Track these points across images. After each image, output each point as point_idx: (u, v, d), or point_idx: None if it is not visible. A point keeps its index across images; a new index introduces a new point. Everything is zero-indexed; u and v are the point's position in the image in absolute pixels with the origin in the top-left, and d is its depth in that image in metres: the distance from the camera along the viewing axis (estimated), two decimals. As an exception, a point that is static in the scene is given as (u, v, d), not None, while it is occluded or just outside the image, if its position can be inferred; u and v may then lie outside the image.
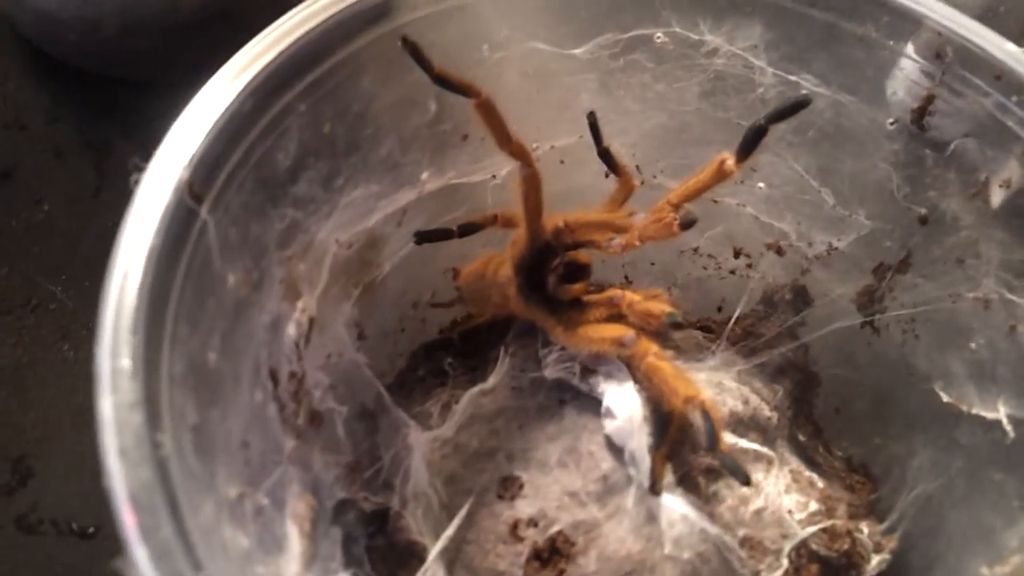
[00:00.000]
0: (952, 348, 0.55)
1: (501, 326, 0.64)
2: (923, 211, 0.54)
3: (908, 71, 0.51)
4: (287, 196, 0.48)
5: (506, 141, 0.51)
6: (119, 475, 0.31)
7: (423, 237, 0.59)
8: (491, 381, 0.60)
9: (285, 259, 0.49)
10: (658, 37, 0.55)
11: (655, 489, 0.52)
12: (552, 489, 0.55)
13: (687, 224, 0.50)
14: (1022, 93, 0.48)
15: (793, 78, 0.55)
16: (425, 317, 0.66)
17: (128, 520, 0.30)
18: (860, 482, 0.60)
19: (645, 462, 0.53)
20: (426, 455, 0.57)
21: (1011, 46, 0.48)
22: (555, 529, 0.53)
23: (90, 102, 0.87)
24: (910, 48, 0.51)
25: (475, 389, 0.59)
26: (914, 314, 0.57)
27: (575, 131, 0.60)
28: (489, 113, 0.50)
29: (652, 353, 0.51)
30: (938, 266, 0.55)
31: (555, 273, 0.56)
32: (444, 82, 0.49)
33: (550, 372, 0.58)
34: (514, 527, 0.54)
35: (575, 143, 0.60)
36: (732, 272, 0.66)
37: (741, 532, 0.53)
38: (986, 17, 0.72)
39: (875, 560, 0.54)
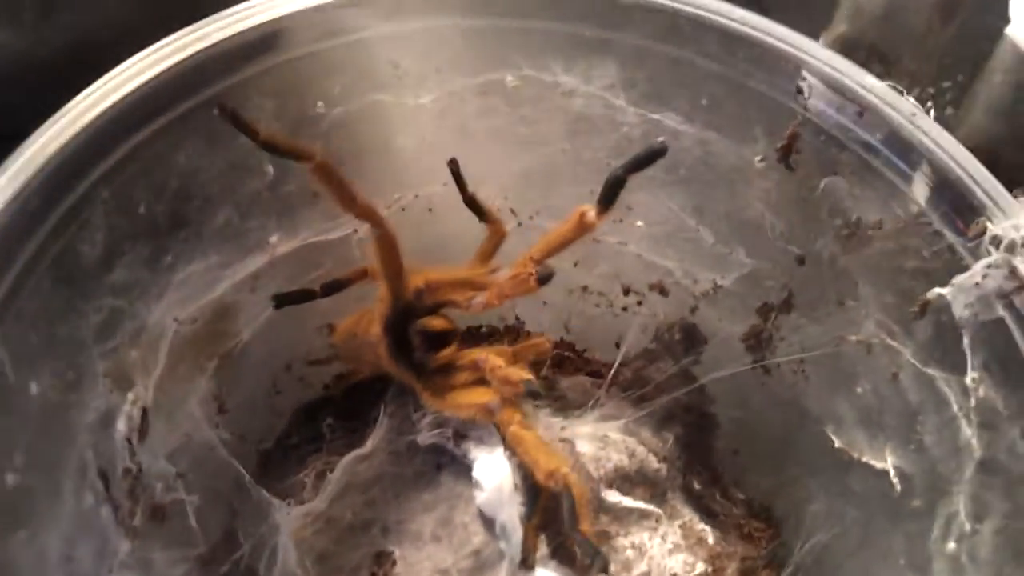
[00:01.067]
0: (841, 391, 0.52)
1: (384, 381, 0.61)
2: (799, 251, 0.51)
3: (770, 108, 0.48)
4: (101, 286, 0.45)
5: (351, 204, 0.48)
6: None
7: (281, 300, 0.55)
8: (369, 445, 0.57)
9: (108, 351, 0.46)
10: (510, 80, 0.52)
11: (527, 564, 0.49)
12: (424, 566, 0.52)
13: (544, 279, 0.47)
14: (885, 130, 0.45)
15: (656, 116, 0.52)
16: (303, 375, 0.63)
17: None
18: (760, 528, 0.57)
19: (517, 534, 0.50)
20: (295, 532, 0.54)
21: (872, 80, 0.45)
22: (426, 610, 0.50)
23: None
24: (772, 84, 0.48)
25: (351, 455, 0.56)
26: (803, 356, 0.54)
27: (438, 178, 0.56)
28: (327, 176, 0.46)
29: (516, 422, 0.48)
30: (820, 307, 0.52)
31: (418, 344, 0.53)
32: (273, 148, 0.46)
33: (423, 438, 0.55)
34: (386, 609, 0.51)
35: (441, 190, 0.57)
36: (624, 309, 0.63)
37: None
38: (885, 20, 0.69)
39: (768, 622, 0.51)
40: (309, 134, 0.49)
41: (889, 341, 0.48)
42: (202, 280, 0.51)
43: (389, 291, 0.52)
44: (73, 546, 0.42)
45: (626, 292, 0.61)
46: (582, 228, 0.47)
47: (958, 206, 0.43)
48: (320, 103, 0.50)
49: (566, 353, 0.64)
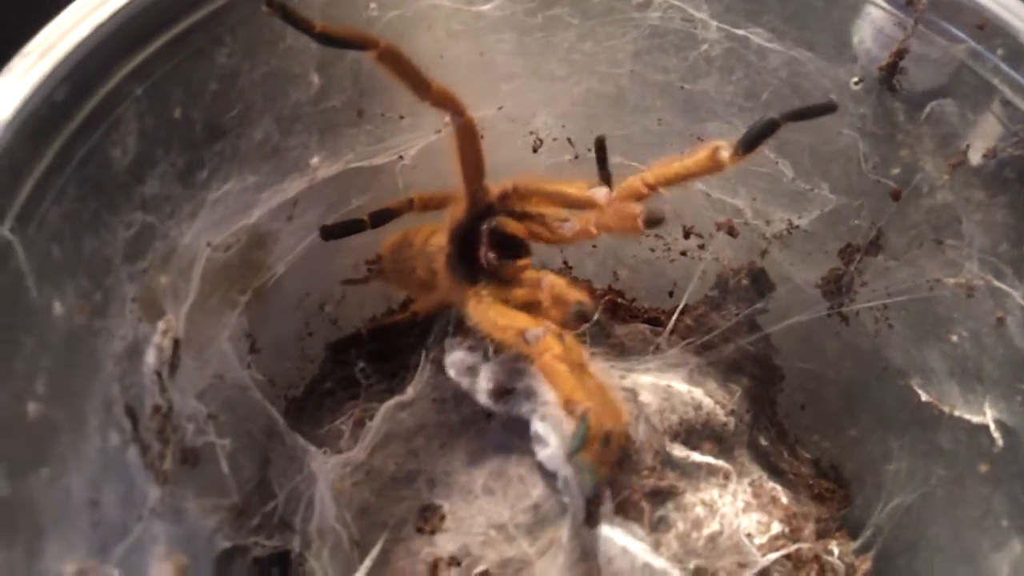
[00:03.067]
0: (931, 340, 0.48)
1: (421, 326, 0.56)
2: (895, 184, 0.47)
3: (876, 20, 0.43)
4: (132, 198, 0.40)
5: (424, 88, 0.43)
6: None
7: (329, 232, 0.51)
8: (410, 392, 0.53)
9: (138, 273, 0.41)
10: (582, -13, 0.47)
11: (592, 519, 0.45)
12: (477, 521, 0.48)
13: (653, 222, 0.43)
14: (1006, 44, 0.40)
15: (741, 32, 0.47)
16: (337, 317, 0.58)
17: None
18: (830, 489, 0.53)
19: (576, 479, 0.45)
20: (333, 483, 0.49)
21: (994, -14, 0.41)
22: (480, 569, 0.46)
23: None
24: (877, -7, 0.43)
25: (392, 402, 0.52)
26: (888, 302, 0.49)
27: (493, 101, 0.52)
28: (395, 61, 0.42)
29: (550, 353, 0.43)
30: (914, 248, 0.48)
31: (484, 243, 0.48)
32: (331, 39, 0.41)
33: (455, 372, 0.50)
34: (434, 567, 0.47)
35: (494, 114, 0.52)
36: (683, 254, 0.58)
37: (692, 563, 0.46)
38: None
39: (847, 586, 0.47)
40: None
41: (996, 283, 0.44)
42: (238, 202, 0.46)
43: (467, 190, 0.47)
44: (99, 489, 0.38)
45: (687, 235, 0.57)
46: (711, 166, 0.43)
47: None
48: (373, 5, 0.45)
49: (618, 300, 0.60)
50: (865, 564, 0.49)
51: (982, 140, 0.42)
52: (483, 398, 0.49)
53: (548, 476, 0.47)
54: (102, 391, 0.39)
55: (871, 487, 0.51)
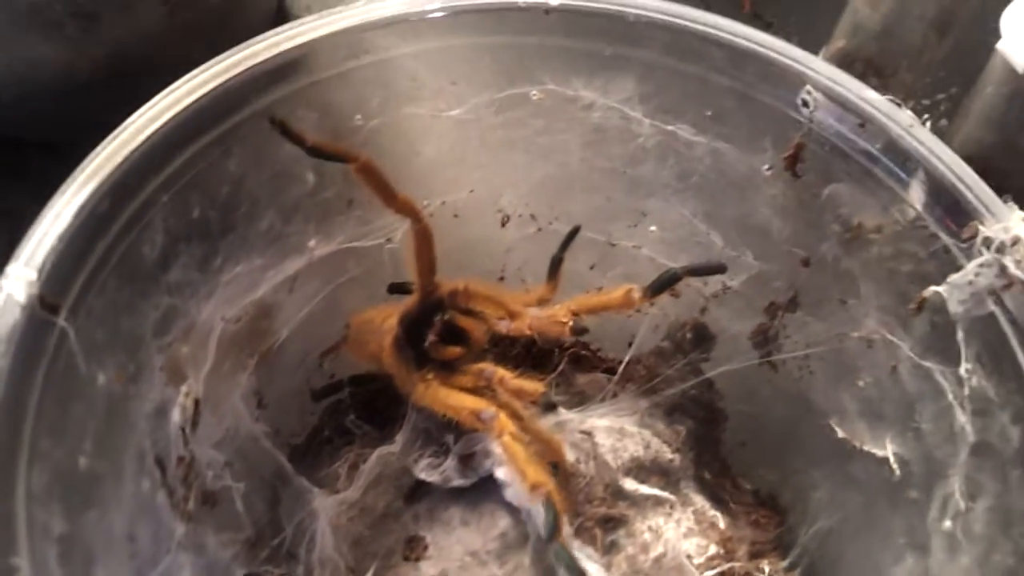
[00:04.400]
0: (843, 385, 0.56)
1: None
2: (804, 254, 0.55)
3: (777, 120, 0.52)
4: (159, 285, 0.48)
5: (392, 199, 0.52)
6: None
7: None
8: (398, 440, 0.60)
9: (165, 346, 0.49)
10: (534, 95, 0.55)
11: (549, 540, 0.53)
12: (455, 549, 0.55)
13: (579, 332, 0.53)
14: (884, 140, 0.48)
15: (670, 128, 0.55)
16: (334, 373, 0.66)
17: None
18: (766, 516, 0.61)
19: (541, 516, 0.53)
20: (332, 519, 0.57)
21: (872, 93, 0.49)
22: (457, 591, 0.54)
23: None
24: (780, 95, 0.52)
25: (382, 449, 0.60)
26: (808, 352, 0.57)
27: (464, 186, 0.60)
28: (371, 175, 0.51)
29: (508, 433, 0.51)
30: (824, 306, 0.55)
31: (434, 329, 0.56)
32: (320, 153, 0.50)
33: (426, 475, 0.57)
34: (419, 590, 0.54)
35: (466, 197, 0.61)
36: (637, 310, 0.66)
37: (640, 583, 0.53)
38: (883, 36, 0.73)
39: (777, 600, 0.55)
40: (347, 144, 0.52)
41: (888, 336, 0.51)
42: (246, 281, 0.54)
43: (420, 285, 0.56)
44: (135, 526, 0.46)
45: (638, 295, 0.65)
46: (624, 304, 0.53)
47: (953, 211, 0.46)
48: (359, 116, 0.53)
49: (582, 352, 0.68)
50: (792, 580, 0.56)
51: (870, 218, 0.50)
52: (457, 480, 0.56)
53: (513, 510, 0.55)
54: (136, 445, 0.47)
55: (799, 513, 0.59)
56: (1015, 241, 0.43)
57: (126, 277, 0.45)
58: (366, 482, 0.59)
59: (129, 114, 0.46)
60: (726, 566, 0.55)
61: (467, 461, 0.56)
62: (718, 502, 0.60)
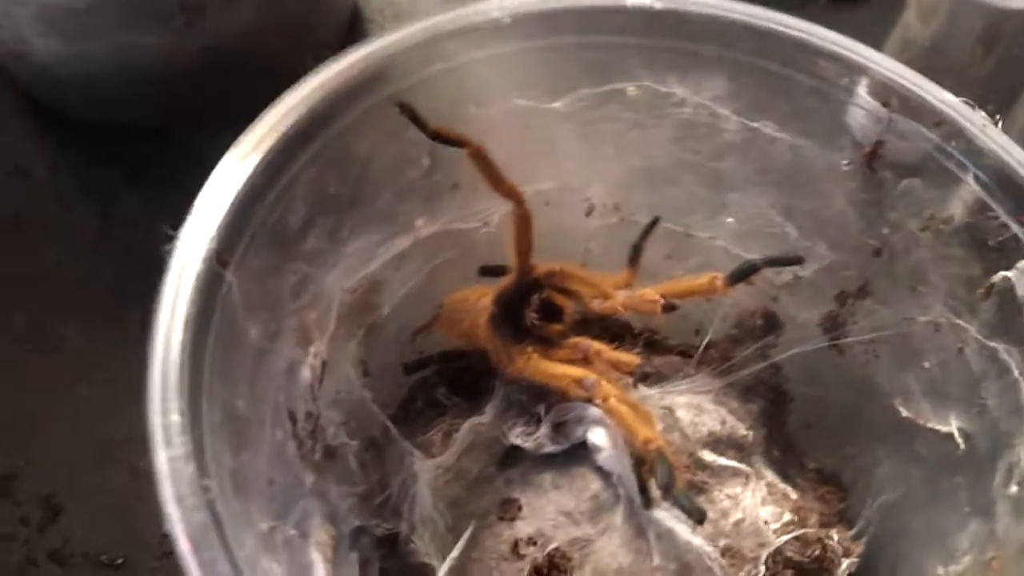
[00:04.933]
0: (909, 367, 0.60)
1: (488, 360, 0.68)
2: (877, 244, 0.59)
3: (859, 117, 0.56)
4: (298, 252, 0.53)
5: (499, 184, 0.56)
6: (178, 519, 0.36)
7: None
8: (488, 412, 0.64)
9: (297, 309, 0.54)
10: (630, 90, 0.60)
11: (648, 501, 0.57)
12: (548, 510, 0.59)
13: (669, 308, 0.57)
14: (959, 138, 0.53)
15: (755, 124, 0.60)
16: (423, 350, 0.70)
17: (190, 558, 0.35)
18: (830, 492, 0.65)
19: (631, 481, 0.58)
20: (430, 482, 0.61)
21: (948, 95, 0.54)
22: (552, 546, 0.58)
23: (91, 149, 0.91)
24: (861, 96, 0.57)
25: (473, 420, 0.64)
26: (874, 336, 0.62)
27: (557, 176, 0.65)
28: (482, 160, 0.55)
29: (613, 396, 0.55)
30: (893, 293, 0.60)
31: (533, 307, 0.60)
32: (440, 137, 0.55)
33: (520, 441, 0.62)
34: (515, 546, 0.58)
35: (558, 187, 0.65)
36: (708, 300, 0.70)
37: (722, 542, 0.58)
38: (932, 51, 0.78)
39: (844, 564, 0.59)
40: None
41: (955, 320, 0.56)
42: (365, 255, 0.59)
43: (517, 265, 0.60)
44: (275, 471, 0.50)
45: (711, 283, 0.70)
46: (708, 290, 0.58)
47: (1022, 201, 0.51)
48: (472, 106, 0.58)
49: (655, 336, 0.72)
50: (858, 547, 0.60)
51: (942, 210, 0.55)
52: (549, 446, 0.61)
53: (604, 474, 0.59)
54: (273, 398, 0.52)
55: (863, 488, 0.63)
56: (1085, 228, 0.48)
57: (276, 242, 0.50)
58: (460, 449, 0.63)
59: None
60: (800, 531, 0.59)
61: (560, 428, 0.61)
62: (786, 478, 0.65)
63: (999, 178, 0.52)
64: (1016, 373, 0.52)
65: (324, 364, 0.56)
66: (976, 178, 0.53)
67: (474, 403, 0.67)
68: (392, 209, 0.59)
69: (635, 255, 0.65)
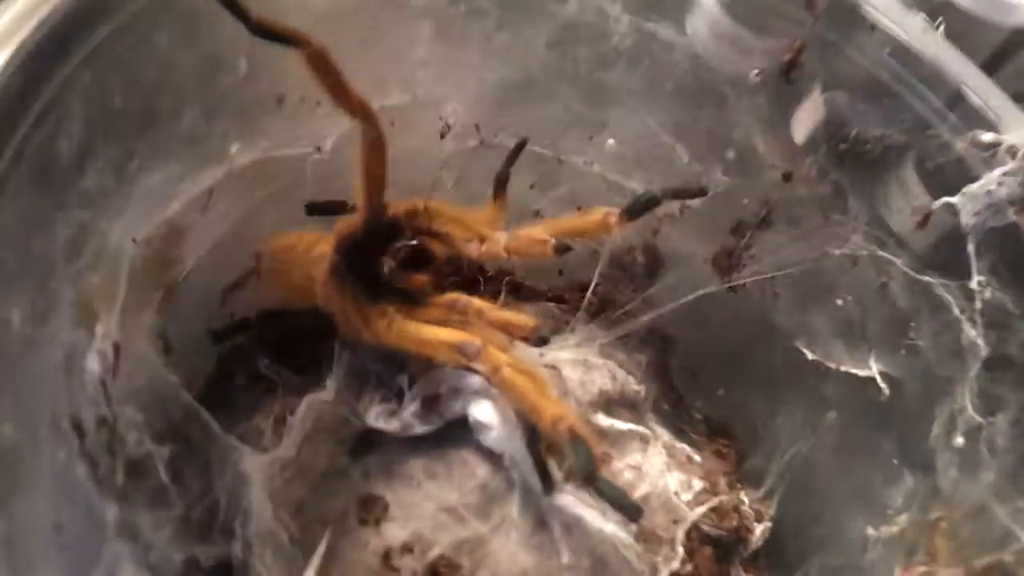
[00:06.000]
0: (816, 305, 0.54)
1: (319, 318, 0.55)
2: (786, 167, 0.52)
3: (777, 19, 0.48)
4: (73, 193, 0.37)
5: (345, 97, 0.43)
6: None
7: (313, 208, 0.53)
8: (330, 386, 0.51)
9: (75, 274, 0.38)
10: (506, -23, 0.48)
11: (549, 486, 0.47)
12: (424, 506, 0.48)
13: (562, 249, 0.47)
14: (893, 43, 0.46)
15: (650, 26, 0.50)
16: (236, 312, 0.55)
17: None
18: (725, 445, 0.58)
19: (527, 462, 0.47)
20: (265, 484, 0.48)
21: (883, -6, 0.46)
22: (435, 553, 0.47)
23: None
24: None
25: (312, 398, 0.50)
26: (779, 273, 0.55)
27: (407, 89, 0.52)
28: (323, 65, 0.42)
29: (505, 365, 0.44)
30: (802, 224, 0.53)
31: (394, 256, 0.48)
32: (266, 32, 0.40)
33: (383, 423, 0.50)
34: (386, 557, 0.47)
35: (407, 102, 0.52)
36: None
37: (634, 525, 0.49)
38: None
39: (759, 530, 0.53)
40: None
41: (880, 252, 0.49)
42: (162, 193, 0.44)
43: (367, 204, 0.47)
44: (62, 511, 0.35)
45: (581, 215, 0.60)
46: (602, 228, 0.48)
47: (968, 120, 0.45)
48: (304, -8, 0.44)
49: (518, 279, 0.62)
50: (770, 509, 0.54)
51: (871, 127, 0.48)
52: (419, 427, 0.49)
53: (492, 456, 0.49)
54: (49, 407, 0.36)
55: (767, 440, 0.57)
56: (1044, 147, 0.42)
57: (40, 180, 0.34)
58: (299, 436, 0.50)
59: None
60: (715, 500, 0.51)
61: (431, 404, 0.49)
62: (680, 434, 0.57)
63: (943, 92, 0.45)
64: (956, 311, 0.46)
65: (116, 347, 0.40)
66: (915, 92, 0.46)
67: (309, 375, 0.53)
68: (199, 130, 0.44)
69: (500, 186, 0.53)
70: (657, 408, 0.57)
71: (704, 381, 0.61)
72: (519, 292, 0.61)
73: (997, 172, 0.43)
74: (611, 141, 0.56)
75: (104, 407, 0.39)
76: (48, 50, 0.33)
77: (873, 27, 0.46)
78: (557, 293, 0.61)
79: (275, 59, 0.42)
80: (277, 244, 0.52)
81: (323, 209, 0.53)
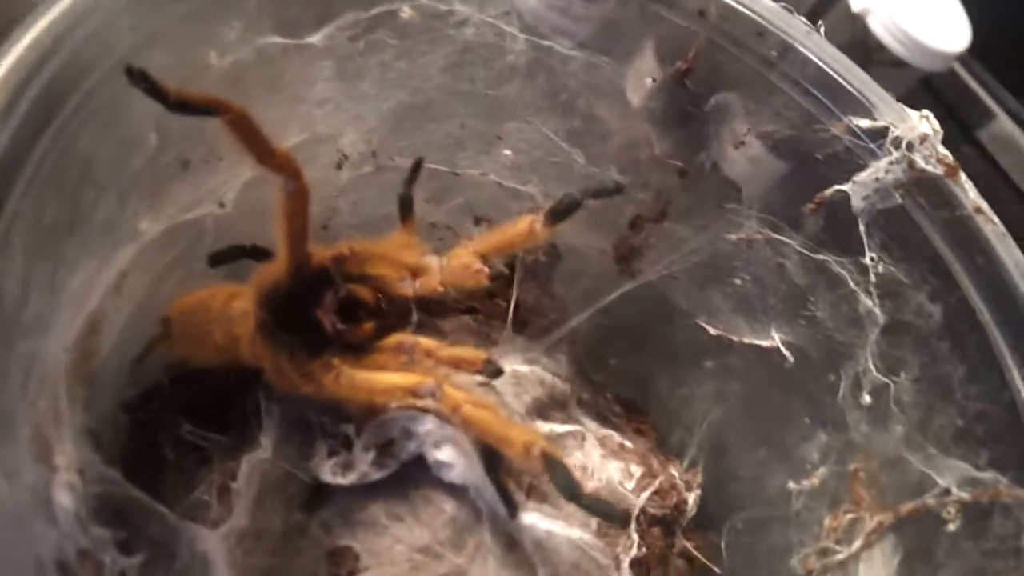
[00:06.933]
0: (714, 285, 0.58)
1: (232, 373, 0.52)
2: (681, 165, 0.54)
3: (668, 31, 0.50)
4: (19, 331, 0.33)
5: (267, 155, 0.42)
6: None
7: (216, 258, 0.51)
8: (265, 443, 0.50)
9: (28, 409, 0.34)
10: (404, 11, 0.47)
11: (513, 512, 0.48)
12: (397, 550, 0.48)
13: (497, 276, 0.50)
14: (781, 47, 0.49)
15: (547, 43, 0.51)
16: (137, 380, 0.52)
17: None
18: (642, 423, 0.62)
19: (490, 488, 0.48)
20: (227, 558, 0.46)
21: (769, 2, 0.49)
22: (417, 594, 0.47)
23: None
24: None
25: (252, 459, 0.49)
26: (674, 259, 0.58)
27: (307, 126, 0.50)
28: (245, 127, 0.40)
29: (466, 402, 0.44)
30: (697, 214, 0.56)
31: (329, 308, 0.47)
32: (186, 106, 0.38)
33: (341, 478, 0.49)
34: (369, 609, 0.47)
35: (306, 139, 0.50)
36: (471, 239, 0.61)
37: (592, 522, 0.51)
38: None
39: (691, 499, 0.57)
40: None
41: (774, 235, 0.54)
42: (83, 292, 0.40)
43: (290, 255, 0.46)
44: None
45: (477, 222, 0.60)
46: (529, 237, 0.48)
47: (851, 112, 0.49)
48: (213, 52, 0.41)
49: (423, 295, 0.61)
50: (697, 477, 0.58)
51: (761, 124, 0.51)
52: (375, 474, 0.48)
53: (455, 490, 0.49)
54: (33, 553, 0.33)
55: (682, 413, 0.61)
56: (923, 139, 0.47)
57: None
58: (248, 501, 0.48)
59: None
60: (655, 482, 0.55)
61: (386, 450, 0.49)
62: (603, 420, 0.60)
63: (826, 89, 0.49)
64: (852, 284, 0.51)
65: (81, 472, 0.37)
66: (799, 88, 0.49)
67: (238, 434, 0.51)
68: (113, 217, 0.40)
69: (405, 207, 0.53)
70: (579, 401, 0.60)
71: (612, 365, 0.64)
72: (430, 310, 0.60)
73: (884, 161, 0.48)
74: (507, 152, 0.56)
75: (83, 537, 0.36)
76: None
77: (760, 32, 0.49)
78: (467, 304, 0.61)
79: (185, 129, 0.40)
80: (186, 302, 0.49)
81: (226, 256, 0.51)
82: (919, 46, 0.73)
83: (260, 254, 0.51)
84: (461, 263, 0.48)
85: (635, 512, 0.53)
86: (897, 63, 0.74)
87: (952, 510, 0.47)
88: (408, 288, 0.48)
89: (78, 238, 0.38)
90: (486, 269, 0.47)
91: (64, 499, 0.36)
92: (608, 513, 0.44)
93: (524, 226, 0.48)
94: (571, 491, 0.43)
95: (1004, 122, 0.93)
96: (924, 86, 0.85)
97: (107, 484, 0.42)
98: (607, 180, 0.54)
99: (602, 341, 0.64)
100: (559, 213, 0.48)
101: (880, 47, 0.74)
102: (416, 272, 0.48)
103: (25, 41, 0.31)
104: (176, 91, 0.37)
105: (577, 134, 0.55)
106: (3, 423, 0.32)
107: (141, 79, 0.35)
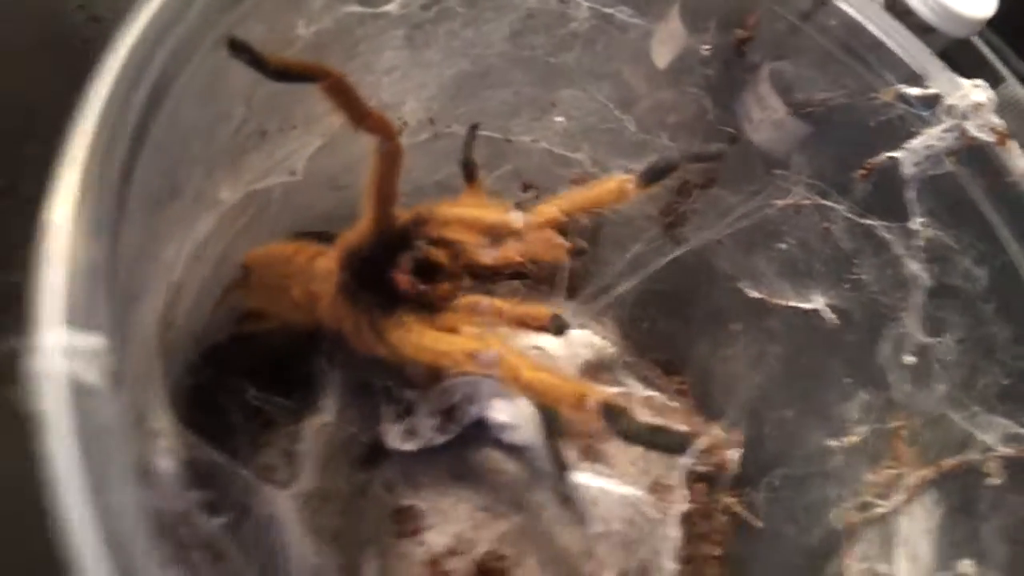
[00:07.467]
0: (759, 250, 0.58)
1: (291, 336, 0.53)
2: (732, 131, 0.55)
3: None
4: (130, 299, 0.34)
5: (364, 117, 0.43)
6: None
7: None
8: (331, 406, 0.51)
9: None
10: (473, -22, 0.47)
11: (563, 471, 0.50)
12: (460, 509, 0.50)
13: (579, 253, 0.49)
14: (839, 16, 0.50)
15: (609, 10, 0.51)
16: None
17: None
18: (681, 383, 0.63)
19: (545, 450, 0.50)
20: (299, 519, 0.47)
21: (828, -30, 0.49)
22: (480, 550, 0.49)
23: None
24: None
25: (316, 423, 0.50)
26: (724, 225, 0.59)
27: (373, 94, 0.50)
28: (343, 92, 0.41)
29: (525, 367, 0.43)
30: (744, 181, 0.57)
31: (404, 269, 0.47)
32: (285, 74, 0.39)
33: (409, 444, 0.50)
34: (434, 564, 0.49)
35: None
36: (517, 206, 0.62)
37: (643, 481, 0.53)
38: None
39: (734, 457, 0.59)
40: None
41: (822, 201, 0.55)
42: (170, 262, 0.40)
43: (375, 216, 0.46)
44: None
45: (525, 189, 0.61)
46: (619, 197, 0.47)
47: (906, 81, 0.50)
48: (301, 21, 0.41)
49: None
50: (739, 435, 0.60)
51: (815, 92, 0.52)
52: (439, 439, 0.50)
53: (514, 450, 0.51)
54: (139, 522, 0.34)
55: (721, 375, 0.63)
56: (976, 107, 0.48)
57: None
58: (316, 464, 0.49)
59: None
60: (702, 443, 0.56)
61: (449, 415, 0.50)
62: (646, 382, 0.62)
63: (883, 57, 0.50)
64: (899, 248, 0.52)
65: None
66: (856, 57, 0.50)
67: (301, 398, 0.52)
68: (202, 187, 0.41)
69: (469, 170, 0.53)
70: (625, 362, 0.61)
71: (653, 328, 0.65)
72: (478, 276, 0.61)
73: (937, 128, 0.49)
74: (559, 118, 0.57)
75: (181, 501, 0.37)
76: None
77: (824, 2, 0.50)
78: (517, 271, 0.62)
79: (271, 100, 0.40)
80: (269, 256, 0.49)
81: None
82: (948, 11, 0.73)
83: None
84: (545, 236, 0.48)
85: (684, 470, 0.55)
86: (925, 29, 0.75)
87: (994, 466, 0.49)
88: (487, 257, 0.48)
89: (172, 209, 0.38)
90: (567, 244, 0.47)
91: (164, 463, 0.37)
92: (669, 443, 0.44)
93: (614, 185, 0.47)
94: (635, 431, 0.41)
95: (1014, 86, 0.95)
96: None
97: (192, 449, 0.43)
98: (709, 146, 0.54)
99: (643, 304, 0.65)
100: (655, 174, 0.48)
101: (908, 12, 0.75)
102: (497, 234, 0.48)
103: (142, 21, 0.31)
104: (276, 60, 0.38)
105: (630, 102, 0.56)
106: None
107: (243, 50, 0.36)
